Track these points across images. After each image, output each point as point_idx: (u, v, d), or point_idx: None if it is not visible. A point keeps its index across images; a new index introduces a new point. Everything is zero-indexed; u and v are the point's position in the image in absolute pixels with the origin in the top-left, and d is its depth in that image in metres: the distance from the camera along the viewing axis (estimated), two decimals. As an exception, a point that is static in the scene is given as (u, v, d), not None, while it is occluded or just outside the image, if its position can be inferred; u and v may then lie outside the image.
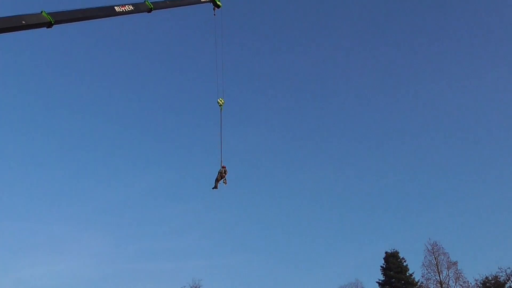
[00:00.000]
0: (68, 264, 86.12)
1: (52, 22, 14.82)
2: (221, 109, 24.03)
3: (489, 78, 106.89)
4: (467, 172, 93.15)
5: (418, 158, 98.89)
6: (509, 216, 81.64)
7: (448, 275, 56.95)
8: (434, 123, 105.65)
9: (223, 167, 24.09)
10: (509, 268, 54.43)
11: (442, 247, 58.30)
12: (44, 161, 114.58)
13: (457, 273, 56.77)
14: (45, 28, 14.71)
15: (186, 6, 21.50)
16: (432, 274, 57.44)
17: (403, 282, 59.24)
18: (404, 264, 61.01)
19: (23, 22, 14.06)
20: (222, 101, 24.16)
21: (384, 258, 61.94)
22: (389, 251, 62.14)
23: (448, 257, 57.71)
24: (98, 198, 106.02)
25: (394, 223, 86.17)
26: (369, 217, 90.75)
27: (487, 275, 55.95)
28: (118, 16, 17.23)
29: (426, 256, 58.26)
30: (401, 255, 61.53)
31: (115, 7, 17.04)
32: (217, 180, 24.26)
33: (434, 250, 58.25)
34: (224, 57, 25.62)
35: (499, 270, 54.89)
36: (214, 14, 23.88)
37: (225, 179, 24.22)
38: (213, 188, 24.45)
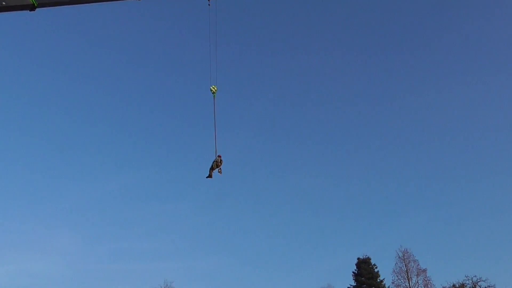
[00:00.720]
0: (37, 263, 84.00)
1: (35, 5, 13.99)
2: (214, 97, 23.38)
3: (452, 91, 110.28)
4: (439, 181, 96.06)
5: (391, 166, 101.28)
6: (476, 226, 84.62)
7: (418, 282, 58.65)
8: (405, 132, 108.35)
9: (218, 156, 23.89)
10: (475, 276, 56.62)
11: (413, 255, 60.05)
12: (14, 158, 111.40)
13: (426, 280, 58.56)
14: (28, 11, 14.05)
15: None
16: (402, 280, 59.02)
17: (373, 288, 60.65)
18: (376, 270, 62.44)
19: (4, 3, 13.33)
20: (215, 89, 23.43)
21: (356, 264, 63.22)
22: (361, 257, 63.50)
23: (418, 265, 59.47)
24: (71, 196, 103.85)
25: (368, 230, 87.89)
26: (343, 223, 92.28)
27: (454, 282, 57.89)
28: (106, 2, 16.53)
29: (397, 263, 59.91)
30: (373, 262, 63.01)
31: None
32: (211, 169, 24.08)
33: (405, 257, 59.90)
34: (218, 48, 24.43)
35: (465, 278, 56.99)
36: (209, 4, 22.88)
37: (220, 168, 24.05)
38: (207, 177, 24.16)
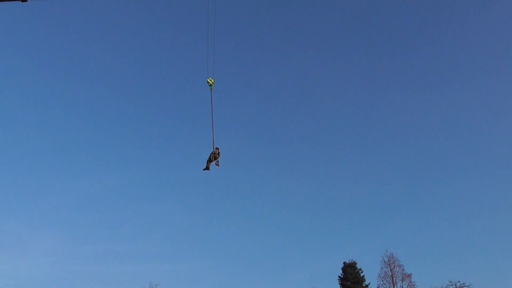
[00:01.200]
0: (20, 264, 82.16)
1: None
2: (211, 89, 23.28)
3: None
4: (424, 186, 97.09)
5: (377, 170, 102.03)
6: (461, 232, 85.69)
7: (402, 287, 59.12)
8: (390, 136, 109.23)
9: (216, 148, 23.98)
10: (459, 281, 57.35)
11: (398, 259, 60.56)
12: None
13: (411, 285, 59.07)
14: (20, 2, 13.56)
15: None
16: (387, 285, 59.46)
17: (359, 292, 60.90)
18: (361, 275, 62.73)
19: None
20: (212, 81, 23.32)
21: (342, 269, 63.45)
22: (347, 261, 63.77)
23: (403, 269, 59.99)
24: (57, 195, 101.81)
25: (354, 234, 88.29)
26: (329, 227, 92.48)
27: (438, 287, 58.53)
28: None
29: (382, 267, 60.33)
30: (358, 266, 63.30)
31: None
32: (209, 161, 24.05)
33: (390, 262, 60.39)
34: (215, 44, 24.73)
35: (449, 283, 57.65)
36: (207, 0, 23.58)
37: (217, 161, 24.11)
38: (204, 169, 24.08)
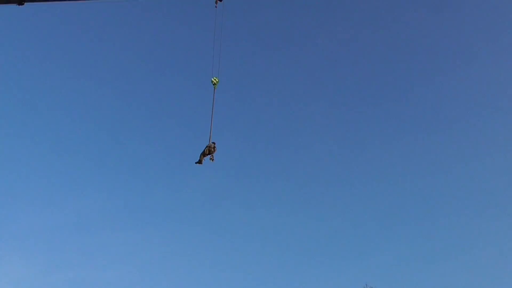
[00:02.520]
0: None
1: None
2: (214, 88, 23.08)
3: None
4: (404, 220, 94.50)
5: (356, 202, 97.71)
6: (441, 265, 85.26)
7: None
8: (369, 173, 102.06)
9: (213, 142, 22.52)
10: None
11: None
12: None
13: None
14: (16, 5, 13.49)
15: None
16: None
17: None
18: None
19: None
20: (217, 80, 23.09)
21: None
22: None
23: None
24: (23, 220, 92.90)
25: (334, 267, 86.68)
26: (308, 260, 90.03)
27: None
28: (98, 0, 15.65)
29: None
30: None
31: None
32: (203, 154, 22.53)
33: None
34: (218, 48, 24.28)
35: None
36: (216, 6, 22.79)
37: (212, 155, 22.54)
38: (196, 163, 22.70)
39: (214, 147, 22.93)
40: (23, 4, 13.43)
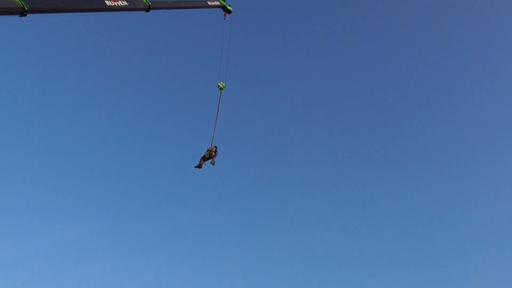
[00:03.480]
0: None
1: (26, 9, 12.61)
2: (221, 93, 23.22)
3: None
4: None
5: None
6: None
7: None
8: (364, 212, 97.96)
9: (214, 146, 21.90)
10: None
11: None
12: None
13: None
14: (18, 16, 12.71)
15: (192, 9, 19.92)
16: None
17: None
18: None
19: None
20: (223, 85, 23.17)
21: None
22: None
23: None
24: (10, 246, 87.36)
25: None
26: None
27: None
28: (109, 12, 15.33)
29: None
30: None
31: (106, 1, 14.94)
32: (204, 159, 22.04)
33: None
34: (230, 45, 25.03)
35: None
36: (224, 19, 23.18)
37: (213, 160, 21.83)
38: (196, 167, 22.35)
39: (215, 151, 22.32)
40: (25, 15, 12.86)
